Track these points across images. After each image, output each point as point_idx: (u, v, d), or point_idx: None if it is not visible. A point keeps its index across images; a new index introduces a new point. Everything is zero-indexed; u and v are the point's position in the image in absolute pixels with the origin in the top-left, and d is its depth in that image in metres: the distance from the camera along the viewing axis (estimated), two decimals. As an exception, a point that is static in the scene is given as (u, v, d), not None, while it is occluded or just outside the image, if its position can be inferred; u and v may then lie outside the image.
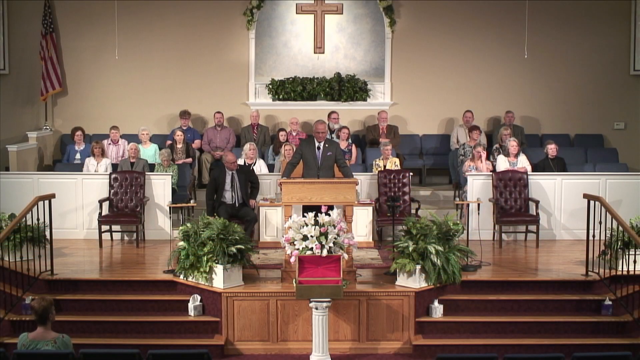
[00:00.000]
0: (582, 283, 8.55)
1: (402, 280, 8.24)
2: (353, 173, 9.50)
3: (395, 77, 13.46)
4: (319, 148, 9.26)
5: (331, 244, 7.65)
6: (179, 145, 12.01)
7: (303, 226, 7.75)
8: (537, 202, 10.39)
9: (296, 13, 13.36)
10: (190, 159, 11.91)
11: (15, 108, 13.35)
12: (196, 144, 12.61)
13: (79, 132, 12.35)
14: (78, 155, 12.11)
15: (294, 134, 12.51)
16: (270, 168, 11.77)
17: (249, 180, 10.18)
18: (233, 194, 10.00)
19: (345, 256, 7.88)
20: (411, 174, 10.93)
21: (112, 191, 10.51)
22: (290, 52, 13.44)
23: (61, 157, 12.86)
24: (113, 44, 12.84)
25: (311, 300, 7.52)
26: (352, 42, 13.44)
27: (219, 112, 12.82)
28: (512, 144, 11.06)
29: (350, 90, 13.32)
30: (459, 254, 8.49)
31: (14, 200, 10.13)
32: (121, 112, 13.27)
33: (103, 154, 11.42)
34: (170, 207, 10.28)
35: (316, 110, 13.19)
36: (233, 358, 7.99)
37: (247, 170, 10.40)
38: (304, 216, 7.83)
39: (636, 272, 8.44)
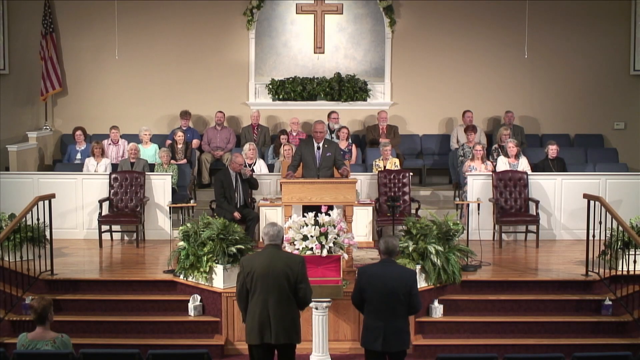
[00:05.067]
0: (582, 283, 8.55)
1: (402, 280, 8.22)
2: (353, 173, 9.48)
3: (395, 77, 13.46)
4: (318, 148, 9.26)
5: (331, 244, 7.64)
6: (179, 145, 12.00)
7: (303, 226, 7.74)
8: (537, 202, 10.38)
9: (296, 13, 13.35)
10: (185, 160, 11.88)
11: (15, 108, 13.34)
12: (195, 143, 12.59)
13: (79, 132, 12.35)
14: (79, 155, 12.12)
15: (294, 134, 12.51)
16: (270, 168, 11.77)
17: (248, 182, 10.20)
18: (236, 194, 10.00)
19: (345, 256, 7.87)
20: (411, 174, 10.92)
21: (112, 191, 10.51)
22: (290, 52, 13.43)
23: (61, 157, 12.86)
24: (113, 44, 12.83)
25: (311, 300, 7.51)
26: (352, 42, 13.43)
27: (219, 112, 12.82)
28: (510, 146, 11.05)
29: (350, 90, 13.30)
30: (459, 254, 8.49)
31: (14, 200, 10.13)
32: (121, 112, 13.26)
33: (103, 154, 11.42)
34: (170, 207, 10.27)
35: (316, 110, 13.17)
36: (233, 358, 7.99)
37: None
38: (304, 216, 7.83)
39: (636, 272, 8.44)
